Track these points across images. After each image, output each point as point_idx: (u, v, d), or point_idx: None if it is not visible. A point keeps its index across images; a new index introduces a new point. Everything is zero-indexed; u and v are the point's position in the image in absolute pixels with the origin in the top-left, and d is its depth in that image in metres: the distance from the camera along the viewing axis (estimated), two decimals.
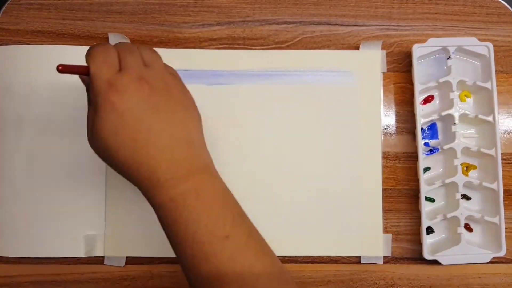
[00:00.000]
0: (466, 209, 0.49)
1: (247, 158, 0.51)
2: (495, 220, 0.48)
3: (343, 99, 0.52)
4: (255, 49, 0.52)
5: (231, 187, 0.36)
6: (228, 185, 0.36)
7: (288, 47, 0.53)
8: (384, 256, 0.50)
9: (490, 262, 0.49)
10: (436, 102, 0.52)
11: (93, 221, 0.50)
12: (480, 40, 0.51)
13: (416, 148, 0.50)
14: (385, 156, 0.52)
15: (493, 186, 0.49)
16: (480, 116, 0.49)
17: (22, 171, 0.50)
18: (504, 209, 0.48)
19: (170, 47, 0.52)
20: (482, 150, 0.49)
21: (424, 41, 0.51)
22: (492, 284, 0.50)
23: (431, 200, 0.51)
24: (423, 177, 0.49)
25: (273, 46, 0.53)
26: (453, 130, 0.50)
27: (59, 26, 0.52)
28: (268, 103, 0.51)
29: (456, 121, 0.50)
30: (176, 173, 0.33)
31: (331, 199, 0.50)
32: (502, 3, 0.53)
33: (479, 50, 0.50)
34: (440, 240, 0.51)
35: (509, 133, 0.52)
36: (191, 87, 0.38)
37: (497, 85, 0.50)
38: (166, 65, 0.36)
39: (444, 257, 0.48)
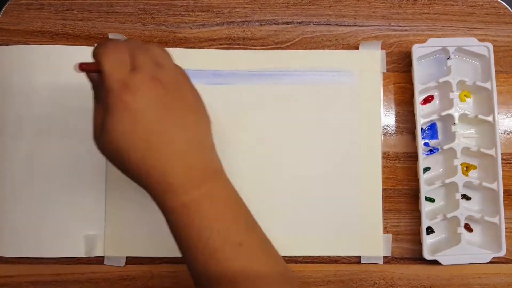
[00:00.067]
0: (466, 209, 0.49)
1: (246, 158, 0.51)
2: (495, 220, 0.48)
3: (343, 99, 0.52)
4: (255, 49, 0.52)
5: None
6: None
7: (288, 47, 0.53)
8: (384, 256, 0.50)
9: (490, 262, 0.49)
10: (436, 102, 0.52)
11: (93, 221, 0.50)
12: (479, 40, 0.51)
13: (416, 148, 0.50)
14: (385, 156, 0.52)
15: (493, 186, 0.49)
16: (480, 116, 0.49)
17: (22, 171, 0.50)
18: (504, 209, 0.48)
19: (170, 47, 0.52)
20: (482, 150, 0.49)
21: (424, 41, 0.51)
22: (492, 284, 0.50)
23: (431, 200, 0.51)
24: (423, 177, 0.49)
25: (273, 46, 0.53)
26: (453, 130, 0.50)
27: (59, 26, 0.52)
28: (268, 103, 0.51)
29: (456, 121, 0.50)
30: (190, 178, 0.32)
31: (331, 199, 0.50)
32: (501, 3, 0.54)
33: (478, 50, 0.51)
34: (440, 240, 0.51)
35: (509, 133, 0.52)
36: None
37: (497, 85, 0.50)
38: (176, 65, 0.35)
39: (444, 257, 0.48)
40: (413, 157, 0.51)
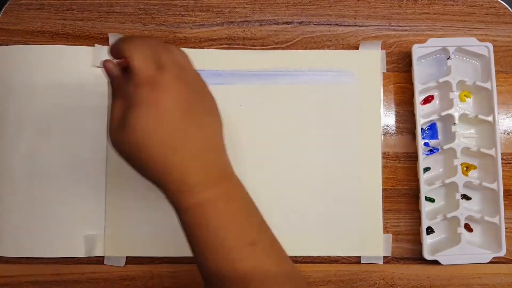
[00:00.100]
0: (466, 209, 0.49)
1: (246, 158, 0.51)
2: (495, 220, 0.48)
3: (343, 99, 0.52)
4: (255, 49, 0.52)
5: None
6: None
7: (288, 47, 0.53)
8: (384, 256, 0.50)
9: (490, 262, 0.49)
10: (436, 102, 0.52)
11: (93, 221, 0.50)
12: (479, 40, 0.51)
13: (416, 148, 0.50)
14: (385, 156, 0.52)
15: (493, 186, 0.49)
16: (480, 116, 0.49)
17: (22, 171, 0.50)
18: (504, 209, 0.48)
19: None
20: (482, 150, 0.49)
21: (424, 41, 0.51)
22: (492, 284, 0.50)
23: (431, 200, 0.51)
24: (423, 177, 0.49)
25: (273, 46, 0.53)
26: (453, 130, 0.50)
27: (59, 27, 0.52)
28: (268, 103, 0.51)
29: (456, 121, 0.50)
30: (206, 178, 0.32)
31: (331, 199, 0.50)
32: (501, 3, 0.54)
33: (479, 50, 0.51)
34: (440, 240, 0.51)
35: (509, 133, 0.52)
36: None
37: (497, 85, 0.50)
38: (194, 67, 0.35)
39: (444, 257, 0.48)
40: (413, 157, 0.51)
